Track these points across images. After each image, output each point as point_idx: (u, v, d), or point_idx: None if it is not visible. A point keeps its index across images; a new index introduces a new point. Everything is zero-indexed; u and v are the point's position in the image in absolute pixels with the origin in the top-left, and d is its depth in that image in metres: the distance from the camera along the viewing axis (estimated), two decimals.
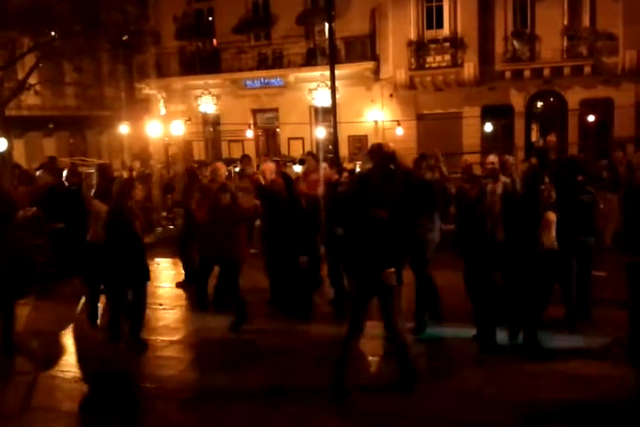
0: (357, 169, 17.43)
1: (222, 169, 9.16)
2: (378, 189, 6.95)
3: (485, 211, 6.53)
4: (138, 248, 6.97)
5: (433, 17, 22.20)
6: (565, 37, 21.09)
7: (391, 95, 23.21)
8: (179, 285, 9.88)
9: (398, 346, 5.72)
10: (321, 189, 8.20)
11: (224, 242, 7.40)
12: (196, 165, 12.24)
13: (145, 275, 7.05)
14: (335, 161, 14.54)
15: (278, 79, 24.34)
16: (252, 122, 25.01)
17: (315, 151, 19.47)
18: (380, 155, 8.02)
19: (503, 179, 7.74)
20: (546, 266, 6.37)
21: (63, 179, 10.66)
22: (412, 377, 5.67)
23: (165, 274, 10.93)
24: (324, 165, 9.02)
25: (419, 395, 5.59)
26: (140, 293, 7.02)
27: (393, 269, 5.66)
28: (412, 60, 22.21)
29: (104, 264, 7.15)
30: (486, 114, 22.55)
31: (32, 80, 22.83)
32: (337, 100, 17.79)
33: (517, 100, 22.21)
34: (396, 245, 5.69)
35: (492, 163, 7.57)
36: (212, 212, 7.66)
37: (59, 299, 9.13)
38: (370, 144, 9.41)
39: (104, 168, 11.51)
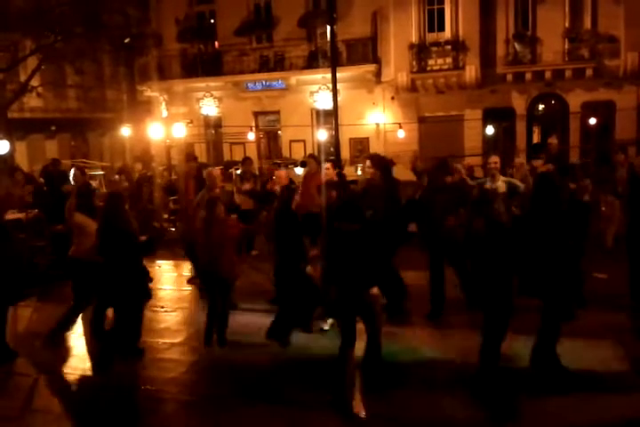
0: (359, 172, 17.47)
1: (218, 176, 9.22)
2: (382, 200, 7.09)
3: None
4: (136, 266, 6.66)
5: (434, 20, 22.20)
6: (567, 40, 21.09)
7: (393, 98, 23.21)
8: (190, 281, 9.93)
9: (373, 357, 5.76)
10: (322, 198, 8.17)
11: (214, 258, 6.98)
12: (198, 166, 12.29)
13: (144, 293, 6.86)
14: (336, 163, 14.57)
15: (280, 82, 24.35)
16: (253, 124, 25.02)
17: (316, 154, 19.49)
18: (386, 166, 8.24)
19: (502, 178, 8.09)
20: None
21: (70, 178, 10.72)
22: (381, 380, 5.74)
23: (167, 276, 10.93)
24: (327, 165, 9.08)
25: (415, 397, 5.61)
26: (137, 310, 6.83)
27: (376, 290, 5.54)
28: (414, 62, 22.21)
29: (93, 281, 6.82)
30: (488, 116, 22.55)
31: (34, 82, 22.94)
32: (338, 103, 17.77)
33: (519, 103, 22.21)
34: (374, 263, 5.56)
35: (495, 162, 8.02)
36: (203, 227, 7.18)
37: (60, 301, 9.13)
38: (371, 150, 9.47)
39: (128, 171, 11.63)
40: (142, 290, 6.86)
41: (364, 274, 5.47)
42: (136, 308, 6.77)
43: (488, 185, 7.97)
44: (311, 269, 7.17)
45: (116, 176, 12.14)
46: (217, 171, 9.47)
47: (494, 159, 8.15)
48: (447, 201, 7.53)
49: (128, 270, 6.49)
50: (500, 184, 7.88)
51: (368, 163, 8.35)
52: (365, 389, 5.63)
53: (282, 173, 9.87)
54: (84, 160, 24.63)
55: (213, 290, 7.08)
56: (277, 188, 8.82)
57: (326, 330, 7.30)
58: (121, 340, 6.76)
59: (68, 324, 7.34)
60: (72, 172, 11.03)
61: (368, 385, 5.71)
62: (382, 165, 8.18)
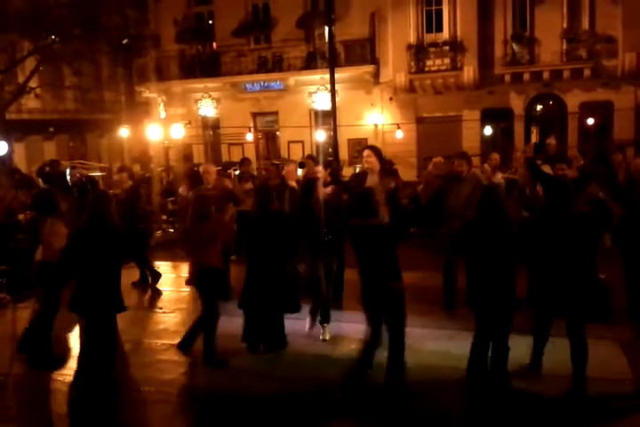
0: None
1: (213, 172, 9.22)
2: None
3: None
4: (109, 274, 6.06)
5: (432, 21, 22.21)
6: (565, 40, 21.12)
7: (391, 98, 23.23)
8: (189, 282, 9.89)
9: (395, 363, 5.62)
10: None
11: (203, 257, 6.61)
12: (196, 169, 12.30)
13: (115, 304, 6.12)
14: (335, 166, 14.57)
15: (278, 82, 24.36)
16: (251, 125, 25.03)
17: (315, 154, 19.49)
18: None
19: (501, 175, 8.58)
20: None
21: (67, 177, 10.74)
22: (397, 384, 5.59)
23: (165, 277, 10.91)
24: (319, 168, 9.11)
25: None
26: (109, 324, 6.14)
27: (397, 284, 5.52)
28: (412, 63, 22.23)
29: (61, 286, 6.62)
30: (486, 117, 22.57)
31: (32, 84, 22.91)
32: (337, 104, 17.80)
33: (517, 104, 22.24)
34: (392, 258, 5.55)
35: (495, 159, 9.08)
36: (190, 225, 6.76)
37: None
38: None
39: (129, 169, 11.55)
40: (116, 301, 6.16)
41: (383, 268, 5.48)
42: (108, 321, 6.15)
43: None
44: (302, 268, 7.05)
45: (119, 175, 12.07)
46: (212, 167, 9.48)
47: (495, 156, 9.13)
48: (463, 195, 7.69)
49: (109, 277, 6.04)
50: (500, 179, 8.56)
51: (367, 152, 8.37)
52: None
53: (292, 167, 9.83)
54: (83, 161, 24.61)
55: (210, 293, 6.68)
56: (293, 183, 8.85)
57: (326, 340, 7.12)
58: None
59: (46, 332, 6.93)
60: (68, 171, 11.03)
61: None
62: (382, 156, 8.34)
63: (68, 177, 10.79)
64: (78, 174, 12.32)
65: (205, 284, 6.67)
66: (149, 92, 26.06)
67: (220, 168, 14.86)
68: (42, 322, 6.88)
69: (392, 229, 5.56)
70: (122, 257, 6.38)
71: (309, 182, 7.33)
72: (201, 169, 9.41)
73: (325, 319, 7.24)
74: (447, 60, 21.99)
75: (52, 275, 6.71)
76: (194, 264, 6.73)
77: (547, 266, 5.39)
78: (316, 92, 23.87)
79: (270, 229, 6.69)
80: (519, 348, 5.97)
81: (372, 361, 5.69)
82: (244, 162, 12.44)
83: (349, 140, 22.75)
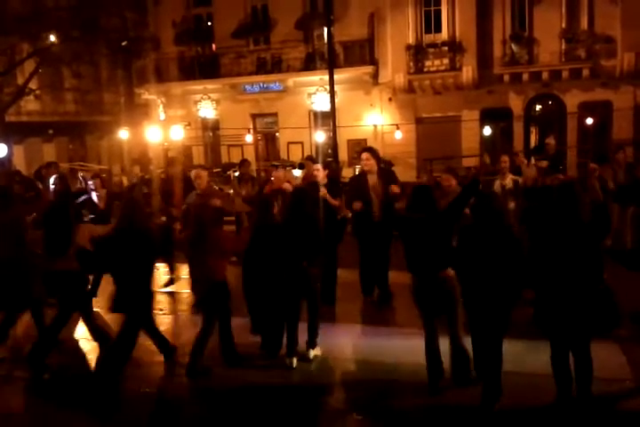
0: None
1: (204, 177, 9.06)
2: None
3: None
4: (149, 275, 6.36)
5: (431, 21, 22.23)
6: (563, 40, 21.12)
7: (390, 99, 23.24)
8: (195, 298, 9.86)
9: (458, 352, 5.63)
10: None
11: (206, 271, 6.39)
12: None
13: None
14: (335, 167, 14.58)
15: (277, 84, 24.38)
16: (251, 126, 25.04)
17: (314, 155, 19.51)
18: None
19: (510, 176, 8.90)
20: None
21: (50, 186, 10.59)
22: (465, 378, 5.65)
23: (164, 279, 10.90)
24: (317, 166, 9.09)
25: None
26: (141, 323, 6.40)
27: (450, 272, 5.52)
28: (411, 64, 22.24)
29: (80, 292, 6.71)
30: (485, 117, 22.57)
31: (32, 85, 22.94)
32: (336, 105, 17.85)
33: (516, 104, 22.24)
34: (444, 247, 5.56)
35: (505, 162, 9.27)
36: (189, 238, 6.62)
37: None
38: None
39: (101, 177, 11.39)
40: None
41: (436, 257, 5.52)
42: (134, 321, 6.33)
43: (498, 182, 9.00)
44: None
45: (90, 182, 11.87)
46: (203, 172, 9.29)
47: (504, 158, 9.32)
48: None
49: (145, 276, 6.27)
50: (509, 181, 8.88)
51: (365, 155, 8.39)
52: None
53: (280, 173, 9.69)
54: (82, 163, 24.63)
55: (211, 307, 6.43)
56: (288, 186, 8.74)
57: (311, 359, 6.61)
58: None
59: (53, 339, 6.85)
60: (51, 181, 10.70)
61: None
62: (379, 157, 8.49)
63: (52, 187, 10.55)
64: (81, 178, 12.26)
65: (208, 298, 6.42)
66: (149, 94, 26.08)
67: (219, 170, 14.88)
68: (52, 333, 6.81)
69: (445, 219, 5.62)
70: (154, 257, 6.49)
71: (302, 192, 7.00)
72: (192, 174, 9.24)
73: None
74: (446, 61, 22.00)
75: (73, 283, 6.65)
76: (196, 275, 6.58)
77: (551, 279, 5.07)
78: (315, 93, 23.89)
79: (270, 241, 6.58)
80: (518, 348, 5.98)
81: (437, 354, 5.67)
82: (244, 163, 12.44)
83: (349, 140, 22.79)
